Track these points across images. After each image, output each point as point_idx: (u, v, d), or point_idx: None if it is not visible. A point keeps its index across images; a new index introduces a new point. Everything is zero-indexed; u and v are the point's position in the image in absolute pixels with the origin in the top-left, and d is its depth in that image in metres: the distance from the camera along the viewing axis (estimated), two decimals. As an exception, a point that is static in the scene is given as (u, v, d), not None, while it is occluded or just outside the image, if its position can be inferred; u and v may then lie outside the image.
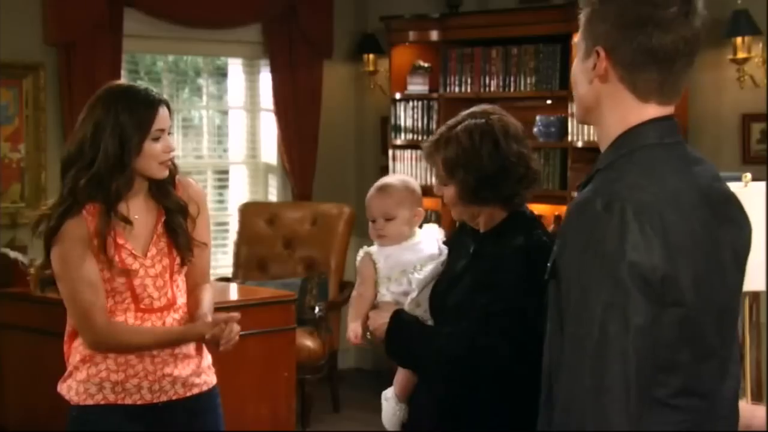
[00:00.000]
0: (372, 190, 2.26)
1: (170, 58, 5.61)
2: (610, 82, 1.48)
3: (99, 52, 4.90)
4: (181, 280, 2.41)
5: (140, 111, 2.28)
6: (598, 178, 1.46)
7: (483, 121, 2.04)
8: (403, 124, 5.48)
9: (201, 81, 5.77)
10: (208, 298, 2.45)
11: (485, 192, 2.03)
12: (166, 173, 2.34)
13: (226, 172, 5.79)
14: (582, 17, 1.51)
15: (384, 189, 2.24)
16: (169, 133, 2.33)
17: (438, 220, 5.41)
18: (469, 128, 2.03)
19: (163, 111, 2.31)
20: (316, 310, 4.92)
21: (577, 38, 1.54)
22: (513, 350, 1.93)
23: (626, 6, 1.45)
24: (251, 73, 5.77)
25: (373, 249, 2.25)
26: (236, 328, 2.35)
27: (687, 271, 1.38)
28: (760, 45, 4.49)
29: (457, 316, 2.04)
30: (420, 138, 5.42)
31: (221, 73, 5.80)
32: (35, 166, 4.87)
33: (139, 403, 2.35)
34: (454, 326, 2.03)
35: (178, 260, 2.37)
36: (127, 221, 2.31)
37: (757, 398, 2.88)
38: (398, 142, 5.51)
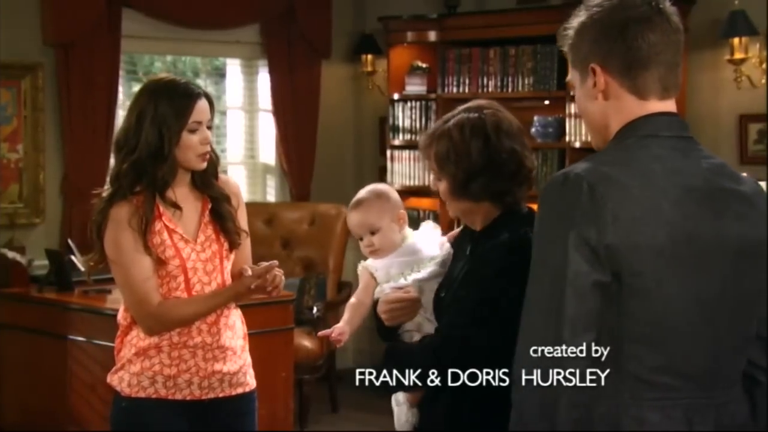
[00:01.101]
0: (348, 210, 2.26)
1: (168, 58, 5.61)
2: (613, 94, 1.55)
3: (97, 53, 4.90)
4: (229, 268, 2.47)
5: (178, 102, 2.35)
6: None
7: (476, 115, 2.04)
8: (401, 124, 5.49)
9: (199, 81, 5.76)
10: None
11: (474, 187, 2.02)
12: (204, 165, 2.41)
13: (225, 172, 5.70)
14: (567, 53, 1.59)
15: (358, 204, 2.25)
16: (208, 127, 2.40)
17: (436, 220, 5.41)
18: (461, 123, 2.03)
19: (201, 104, 2.38)
20: (314, 310, 4.92)
21: (569, 76, 1.61)
22: (489, 340, 1.92)
23: (602, 20, 1.54)
24: (249, 74, 5.77)
25: (370, 262, 2.26)
26: (279, 273, 2.41)
27: (647, 244, 1.44)
28: (757, 45, 4.50)
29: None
30: (418, 138, 5.42)
31: (219, 74, 5.80)
32: (33, 166, 4.88)
33: (188, 398, 2.41)
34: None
35: (226, 245, 2.45)
36: (177, 206, 2.39)
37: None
38: (396, 142, 5.51)
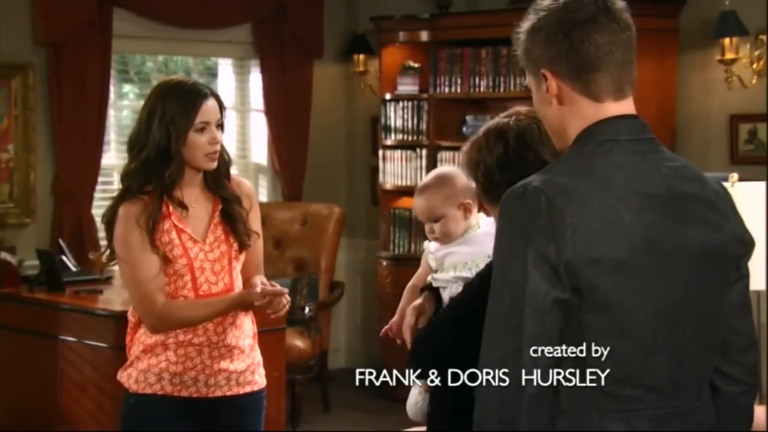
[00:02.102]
0: (415, 194, 2.22)
1: (160, 58, 5.60)
2: (567, 98, 1.52)
3: (88, 52, 4.88)
4: (238, 269, 2.49)
5: (185, 102, 2.37)
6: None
7: (505, 121, 2.00)
8: (393, 124, 5.49)
9: (191, 81, 5.76)
10: (259, 279, 2.54)
11: (496, 192, 1.96)
12: (212, 165, 2.42)
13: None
14: (520, 59, 1.57)
15: (422, 190, 2.20)
16: (218, 127, 2.41)
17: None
18: (489, 129, 2.01)
19: (209, 104, 2.39)
20: (306, 310, 4.92)
21: (527, 79, 1.59)
22: (455, 341, 1.93)
23: (549, 23, 1.51)
24: (241, 74, 5.77)
25: (430, 245, 2.21)
26: (285, 301, 2.41)
27: (607, 257, 1.42)
28: (748, 46, 4.51)
29: None
30: (410, 138, 5.43)
31: (211, 74, 5.79)
32: (24, 166, 4.86)
33: (194, 396, 2.42)
34: None
35: (235, 246, 2.46)
36: (183, 206, 2.41)
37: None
38: (388, 142, 5.51)
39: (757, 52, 4.51)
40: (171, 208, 2.40)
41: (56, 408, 3.97)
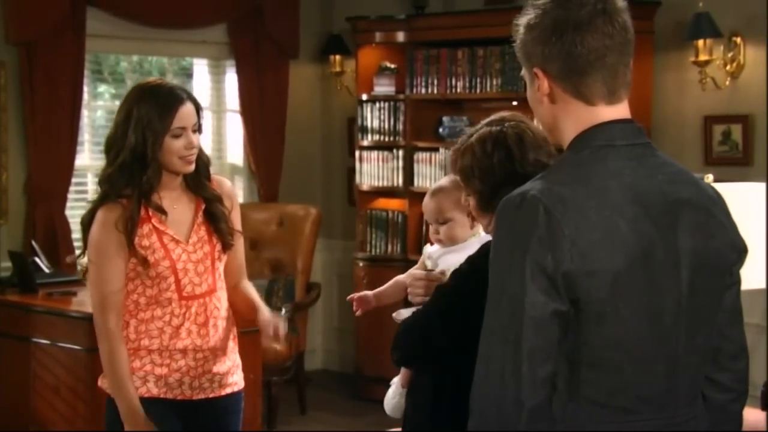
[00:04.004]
0: (427, 195, 2.25)
1: (134, 58, 5.56)
2: (558, 97, 1.50)
3: (61, 52, 4.83)
4: (221, 269, 2.49)
5: (161, 107, 2.36)
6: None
7: (498, 128, 2.01)
8: (369, 125, 5.48)
9: (166, 81, 5.72)
10: (255, 295, 2.57)
11: (498, 201, 2.00)
12: (189, 169, 2.41)
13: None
14: (517, 50, 1.54)
15: (436, 192, 2.22)
16: (194, 131, 2.39)
17: (405, 221, 5.42)
18: (483, 137, 2.01)
19: (185, 109, 2.38)
20: (283, 311, 4.88)
21: (522, 71, 1.57)
22: (444, 331, 1.95)
23: (545, 21, 1.48)
24: (217, 74, 5.73)
25: (429, 248, 2.26)
26: (280, 327, 2.43)
27: (604, 269, 1.40)
28: (722, 48, 4.55)
29: None
30: (387, 139, 5.43)
31: (186, 74, 5.75)
32: (-4, 166, 4.80)
33: (179, 398, 2.42)
34: None
35: (219, 246, 2.46)
36: (161, 210, 2.40)
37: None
38: (365, 143, 5.50)
39: (730, 54, 4.54)
40: (151, 212, 2.40)
41: (29, 410, 3.93)
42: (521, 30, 1.52)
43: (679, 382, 1.48)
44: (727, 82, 4.57)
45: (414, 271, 2.25)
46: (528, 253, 1.39)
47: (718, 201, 1.56)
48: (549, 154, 2.02)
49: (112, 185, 2.38)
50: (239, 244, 2.55)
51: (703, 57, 4.52)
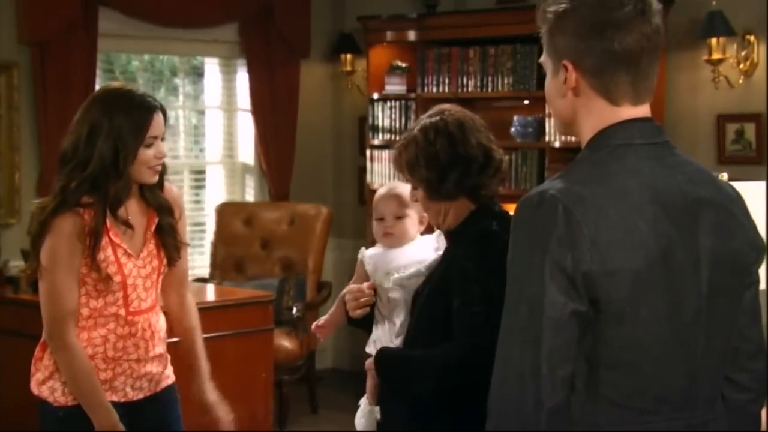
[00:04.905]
0: (383, 190, 2.28)
1: (146, 57, 5.57)
2: (583, 93, 1.49)
3: (74, 52, 4.85)
4: (160, 283, 2.45)
5: (136, 117, 2.27)
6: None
7: (438, 118, 2.08)
8: (380, 124, 5.48)
9: (177, 80, 5.73)
10: (195, 315, 2.55)
11: (448, 186, 2.05)
12: (155, 179, 2.36)
13: (203, 172, 5.76)
14: (542, 35, 1.52)
15: (396, 188, 2.27)
16: (162, 139, 2.34)
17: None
18: (425, 127, 2.08)
19: (158, 117, 2.32)
20: (294, 310, 4.90)
21: (542, 58, 1.55)
22: (473, 349, 1.94)
23: (582, 15, 1.47)
24: (228, 73, 5.74)
25: (366, 251, 2.28)
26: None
27: (624, 269, 1.39)
28: (735, 46, 4.52)
29: (419, 316, 2.10)
30: (398, 138, 5.40)
31: (197, 73, 5.76)
32: (9, 166, 4.82)
33: (122, 400, 2.39)
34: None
35: (165, 262, 2.41)
36: (129, 225, 2.33)
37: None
38: (376, 142, 5.50)
39: (743, 52, 4.52)
40: (109, 223, 2.30)
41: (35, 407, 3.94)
42: (552, 17, 1.50)
43: (699, 383, 1.48)
44: (741, 81, 4.55)
45: (351, 285, 2.26)
46: (547, 252, 1.38)
47: (738, 200, 1.55)
48: (488, 138, 2.09)
49: (72, 194, 2.26)
50: (184, 256, 2.48)
51: (716, 55, 4.50)
